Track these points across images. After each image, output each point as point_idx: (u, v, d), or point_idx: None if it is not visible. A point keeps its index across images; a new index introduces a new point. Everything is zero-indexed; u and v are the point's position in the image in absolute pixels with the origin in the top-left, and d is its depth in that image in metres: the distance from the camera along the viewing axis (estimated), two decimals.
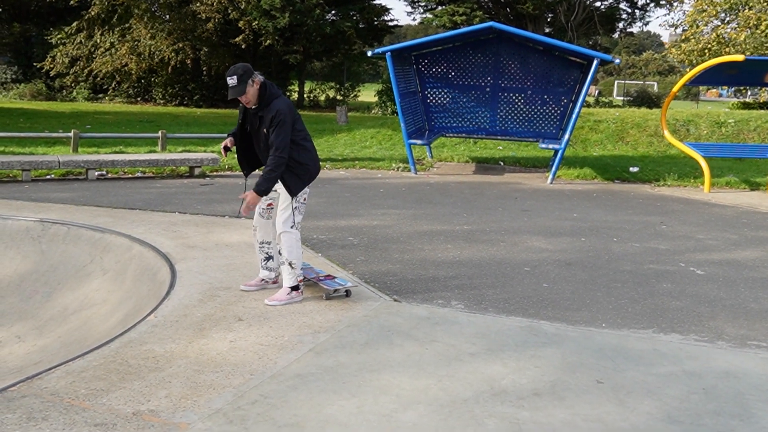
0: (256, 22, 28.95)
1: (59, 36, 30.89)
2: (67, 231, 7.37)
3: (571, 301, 5.81)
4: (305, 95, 36.44)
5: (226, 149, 5.51)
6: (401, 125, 12.96)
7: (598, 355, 4.54)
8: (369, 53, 13.62)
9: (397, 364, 4.27)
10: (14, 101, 30.29)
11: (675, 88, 13.18)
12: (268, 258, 5.65)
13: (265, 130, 5.17)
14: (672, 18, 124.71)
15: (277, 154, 5.09)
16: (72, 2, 29.35)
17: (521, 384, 4.05)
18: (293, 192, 5.25)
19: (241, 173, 5.70)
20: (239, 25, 29.42)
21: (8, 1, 34.64)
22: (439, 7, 32.95)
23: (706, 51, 27.53)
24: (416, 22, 42.70)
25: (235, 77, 5.06)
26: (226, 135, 5.72)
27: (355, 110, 30.04)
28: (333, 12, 32.62)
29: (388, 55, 12.63)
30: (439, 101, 14.75)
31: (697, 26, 28.94)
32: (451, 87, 14.62)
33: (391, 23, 36.43)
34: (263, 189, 5.15)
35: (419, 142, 13.07)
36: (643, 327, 5.20)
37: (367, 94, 38.12)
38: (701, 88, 49.58)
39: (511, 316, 5.34)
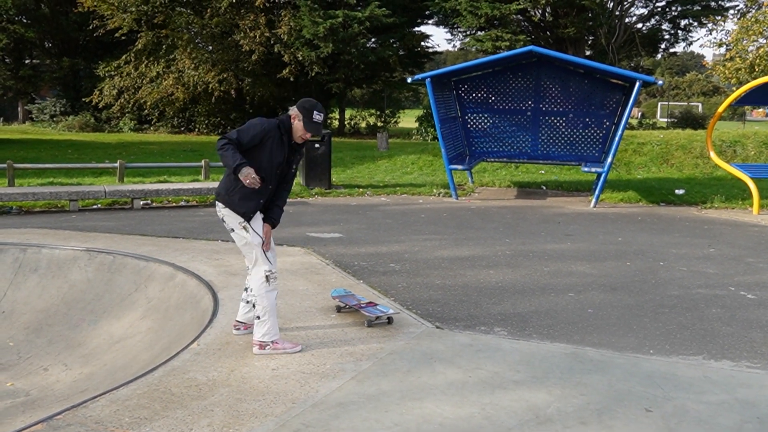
0: (300, 53, 29.20)
1: (106, 69, 31.69)
2: (112, 260, 7.48)
3: (617, 326, 5.70)
4: (346, 122, 36.70)
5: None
6: (442, 151, 12.95)
7: (647, 382, 4.43)
8: (409, 80, 13.66)
9: (440, 392, 4.22)
10: (63, 133, 31.07)
11: (720, 109, 12.96)
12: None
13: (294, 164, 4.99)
14: (715, 38, 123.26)
15: (289, 188, 5.06)
16: (118, 34, 30.13)
17: (567, 412, 3.96)
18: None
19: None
20: (284, 59, 29.73)
21: (58, 36, 35.74)
22: (480, 32, 32.88)
23: (756, 67, 27.00)
24: (456, 49, 42.75)
25: (322, 114, 4.79)
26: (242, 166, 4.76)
27: (395, 136, 30.13)
28: (374, 40, 32.89)
29: (428, 81, 12.66)
30: (480, 126, 14.71)
31: (743, 44, 28.46)
32: (491, 112, 14.58)
33: (430, 50, 36.58)
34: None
35: (460, 167, 13.05)
36: (693, 353, 5.07)
37: (408, 120, 38.22)
38: (747, 107, 48.66)
39: (556, 342, 5.24)
